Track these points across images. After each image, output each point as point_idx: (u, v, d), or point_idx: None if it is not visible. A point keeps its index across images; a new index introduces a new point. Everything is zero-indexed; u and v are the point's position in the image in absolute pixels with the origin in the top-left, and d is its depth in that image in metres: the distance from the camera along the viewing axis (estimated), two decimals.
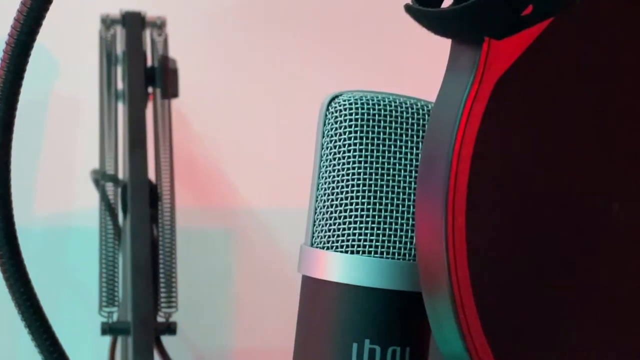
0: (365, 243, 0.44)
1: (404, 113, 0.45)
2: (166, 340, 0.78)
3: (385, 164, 0.44)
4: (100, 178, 0.83)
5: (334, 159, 0.45)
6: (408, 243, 0.44)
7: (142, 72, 0.84)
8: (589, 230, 0.41)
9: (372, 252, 0.44)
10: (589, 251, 0.41)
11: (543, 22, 0.39)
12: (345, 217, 0.44)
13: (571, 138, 0.41)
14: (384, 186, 0.44)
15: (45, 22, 0.44)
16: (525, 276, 0.40)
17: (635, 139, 0.42)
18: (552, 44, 0.40)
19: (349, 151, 0.45)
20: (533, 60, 0.40)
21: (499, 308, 0.39)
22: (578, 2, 0.39)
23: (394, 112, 0.45)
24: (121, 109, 0.87)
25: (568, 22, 0.40)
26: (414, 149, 0.45)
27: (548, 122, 0.41)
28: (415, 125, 0.45)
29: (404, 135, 0.45)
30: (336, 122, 0.45)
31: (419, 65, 0.91)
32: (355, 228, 0.44)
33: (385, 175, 0.44)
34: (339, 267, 0.44)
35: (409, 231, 0.44)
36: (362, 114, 0.45)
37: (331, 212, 0.45)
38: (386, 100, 0.45)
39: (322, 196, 0.45)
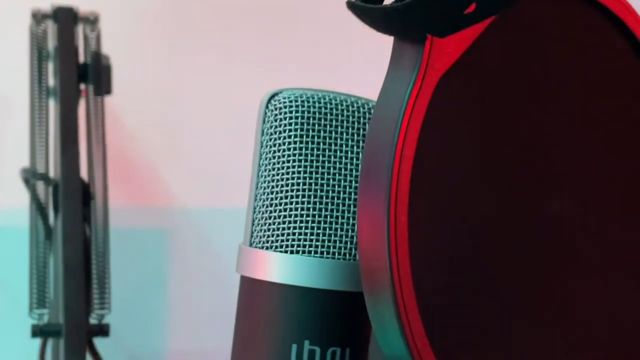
0: (305, 243, 0.44)
1: (344, 111, 0.45)
2: (99, 342, 0.77)
3: (326, 162, 0.44)
4: (31, 177, 0.82)
5: (274, 157, 0.44)
6: (348, 243, 0.44)
7: (74, 69, 0.83)
8: (530, 229, 0.41)
9: (312, 252, 0.44)
10: (530, 250, 0.41)
11: (485, 20, 0.39)
12: (284, 216, 0.44)
13: (513, 136, 0.41)
14: (324, 185, 0.44)
15: None
16: (468, 276, 0.40)
17: (576, 137, 0.42)
18: (495, 42, 0.40)
19: (288, 149, 0.44)
20: (475, 58, 0.40)
21: (441, 308, 0.39)
22: (520, 1, 0.39)
23: (334, 110, 0.44)
24: (52, 106, 0.85)
25: (510, 21, 0.40)
26: (354, 147, 0.44)
27: (490, 120, 0.41)
28: (356, 123, 0.45)
29: (344, 134, 0.44)
30: (276, 120, 0.44)
31: (360, 63, 0.90)
32: (295, 227, 0.44)
33: (325, 174, 0.44)
34: (278, 267, 0.44)
35: (349, 231, 0.44)
36: (302, 112, 0.44)
37: (271, 212, 0.44)
38: (326, 98, 0.45)
39: (261, 195, 0.45)
